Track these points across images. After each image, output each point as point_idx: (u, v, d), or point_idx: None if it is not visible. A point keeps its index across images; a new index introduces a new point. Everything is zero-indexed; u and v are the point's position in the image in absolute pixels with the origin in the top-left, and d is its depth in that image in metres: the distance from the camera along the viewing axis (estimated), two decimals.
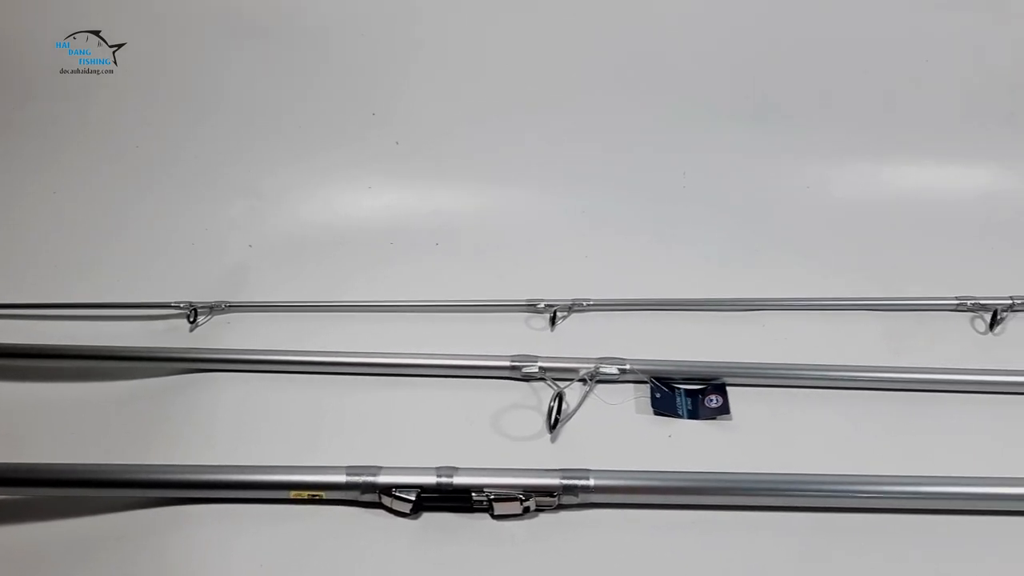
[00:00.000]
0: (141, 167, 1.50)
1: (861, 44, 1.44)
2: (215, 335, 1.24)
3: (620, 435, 1.03)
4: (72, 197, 1.49)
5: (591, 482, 0.90)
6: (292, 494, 0.92)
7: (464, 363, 1.12)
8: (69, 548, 0.89)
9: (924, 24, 1.42)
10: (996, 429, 1.02)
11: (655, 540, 0.89)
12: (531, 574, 0.87)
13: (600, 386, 1.10)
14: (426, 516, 0.92)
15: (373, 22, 1.44)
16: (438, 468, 0.91)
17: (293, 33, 1.45)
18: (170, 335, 1.24)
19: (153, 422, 1.06)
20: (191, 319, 1.25)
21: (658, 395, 1.07)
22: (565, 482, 0.90)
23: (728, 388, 1.08)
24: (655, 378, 1.09)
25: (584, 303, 1.24)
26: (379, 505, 0.91)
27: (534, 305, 1.24)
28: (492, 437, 1.03)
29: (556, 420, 1.02)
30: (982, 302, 1.21)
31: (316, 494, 0.92)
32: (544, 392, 1.08)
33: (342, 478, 0.91)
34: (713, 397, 1.07)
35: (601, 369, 1.09)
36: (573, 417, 1.05)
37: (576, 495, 0.90)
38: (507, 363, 1.11)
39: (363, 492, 0.91)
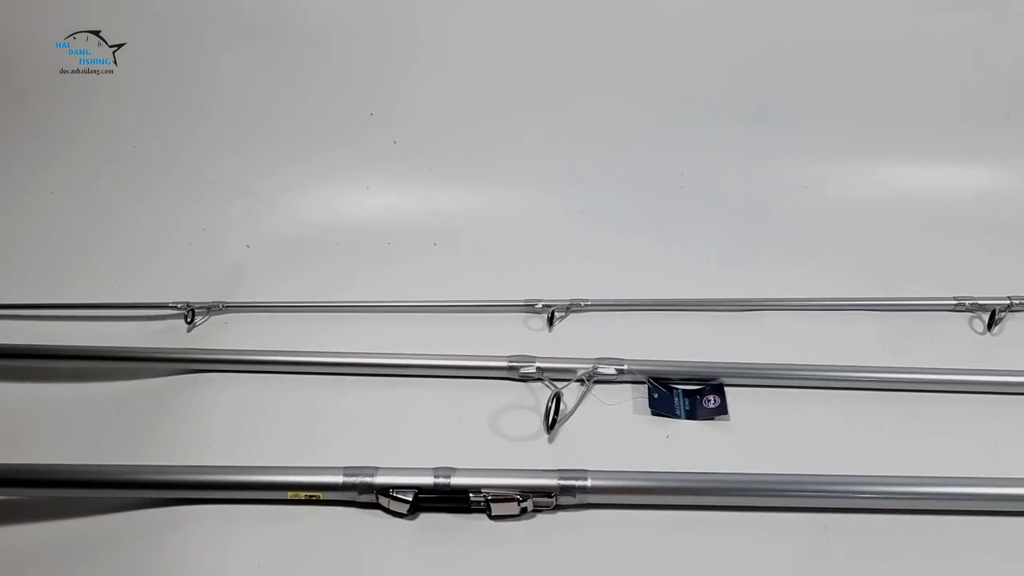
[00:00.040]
0: (139, 167, 1.50)
1: (859, 44, 1.44)
2: (212, 335, 1.24)
3: (618, 436, 1.03)
4: (70, 197, 1.49)
5: (588, 483, 0.90)
6: (289, 495, 0.92)
7: (462, 363, 1.12)
8: (67, 549, 0.89)
9: (922, 24, 1.42)
10: (994, 429, 1.02)
11: (653, 541, 0.89)
12: (528, 575, 0.87)
13: (598, 386, 1.10)
14: (423, 517, 0.92)
15: (371, 22, 1.44)
16: (435, 469, 0.91)
17: (291, 34, 1.45)
18: (168, 335, 1.24)
19: (151, 423, 1.06)
20: (189, 319, 1.25)
21: (656, 395, 1.07)
22: (562, 483, 0.90)
23: (726, 388, 1.07)
24: (653, 378, 1.09)
25: (582, 303, 1.24)
26: (376, 506, 0.92)
27: (532, 305, 1.24)
28: (490, 438, 1.03)
29: (554, 420, 1.02)
30: (980, 302, 1.21)
31: (313, 495, 0.92)
32: (542, 392, 1.08)
33: (339, 479, 0.91)
34: (711, 397, 1.07)
35: (599, 369, 1.09)
36: (571, 418, 1.05)
37: (574, 496, 0.90)
38: (505, 363, 1.11)
39: (360, 493, 0.91)
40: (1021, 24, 1.42)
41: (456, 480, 0.90)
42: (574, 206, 1.48)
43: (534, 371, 1.10)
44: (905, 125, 1.48)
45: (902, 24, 1.42)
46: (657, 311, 1.25)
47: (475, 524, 0.91)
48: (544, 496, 0.90)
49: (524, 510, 0.90)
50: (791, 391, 1.09)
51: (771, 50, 1.45)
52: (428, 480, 0.90)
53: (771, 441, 1.01)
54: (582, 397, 1.08)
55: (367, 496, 0.91)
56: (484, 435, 1.03)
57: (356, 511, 0.92)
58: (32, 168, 1.51)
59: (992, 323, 1.19)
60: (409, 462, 0.92)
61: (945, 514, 0.90)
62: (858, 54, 1.45)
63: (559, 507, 0.91)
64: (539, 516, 0.91)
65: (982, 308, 1.21)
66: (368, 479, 0.91)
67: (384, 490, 0.90)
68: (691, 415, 1.05)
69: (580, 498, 0.90)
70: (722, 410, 1.05)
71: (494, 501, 0.89)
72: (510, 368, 1.10)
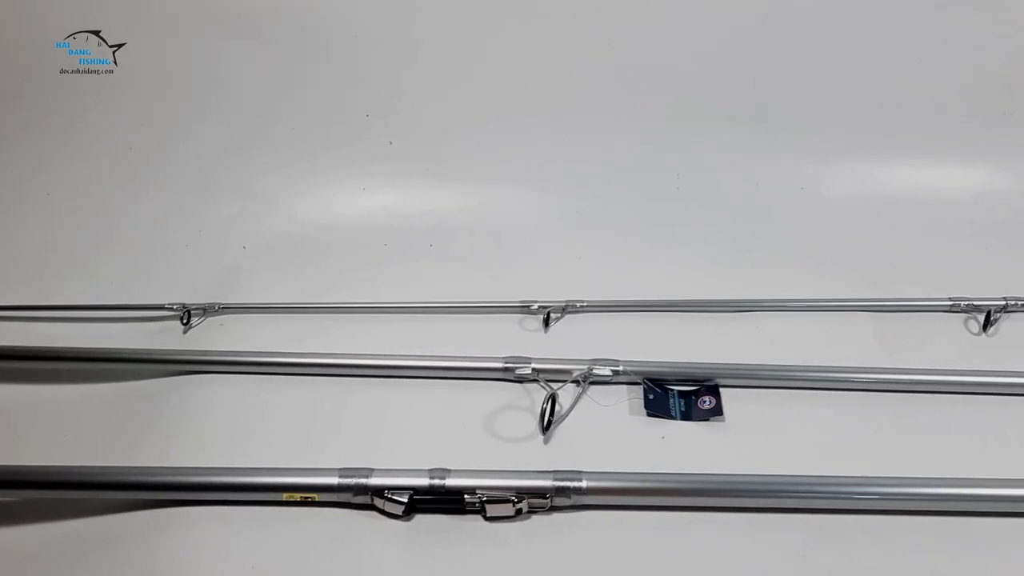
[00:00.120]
0: (135, 168, 1.50)
1: (853, 45, 1.44)
2: (208, 337, 1.24)
3: (613, 436, 1.03)
4: (66, 198, 1.49)
5: (584, 484, 0.90)
6: (285, 496, 0.92)
7: (457, 364, 1.12)
8: (61, 550, 0.89)
9: (918, 25, 1.42)
10: (989, 430, 1.02)
11: (648, 542, 0.89)
12: None
13: (593, 387, 1.10)
14: (418, 518, 0.92)
15: (367, 24, 1.44)
16: (431, 470, 0.91)
17: (287, 35, 1.45)
18: (163, 337, 1.24)
19: (146, 424, 1.06)
20: (184, 321, 1.25)
21: (651, 396, 1.07)
22: (558, 484, 0.90)
23: (721, 389, 1.08)
24: (648, 379, 1.09)
25: (578, 304, 1.24)
26: (372, 507, 0.91)
27: (528, 306, 1.24)
28: (485, 439, 1.03)
29: (549, 422, 1.02)
30: (975, 303, 1.21)
31: (309, 496, 0.92)
32: (537, 393, 1.08)
33: (334, 480, 0.91)
34: (706, 398, 1.07)
35: (594, 370, 1.09)
36: (566, 419, 1.05)
37: (569, 497, 0.90)
38: (500, 364, 1.11)
39: (355, 494, 0.91)
40: (1017, 24, 1.42)
41: (451, 481, 0.90)
42: (570, 207, 1.48)
43: (530, 372, 1.10)
44: (900, 125, 1.48)
45: (898, 25, 1.42)
46: (653, 312, 1.25)
47: (470, 525, 0.91)
48: (539, 497, 0.90)
49: (519, 511, 0.90)
50: (786, 392, 1.09)
51: (764, 51, 1.45)
52: (423, 481, 0.90)
53: (766, 442, 1.01)
54: (577, 398, 1.08)
55: (362, 497, 0.91)
56: (479, 436, 1.03)
57: (351, 512, 0.92)
58: (29, 169, 1.51)
59: (987, 324, 1.19)
60: (404, 463, 0.93)
61: (940, 515, 0.91)
62: (853, 55, 1.45)
63: (554, 508, 0.91)
64: (534, 517, 0.91)
65: (977, 309, 1.21)
66: (363, 480, 0.91)
67: (379, 491, 0.90)
68: (686, 416, 1.05)
69: (575, 499, 0.90)
70: (717, 411, 1.05)
71: (489, 502, 0.89)
72: (506, 369, 1.10)
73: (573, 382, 1.08)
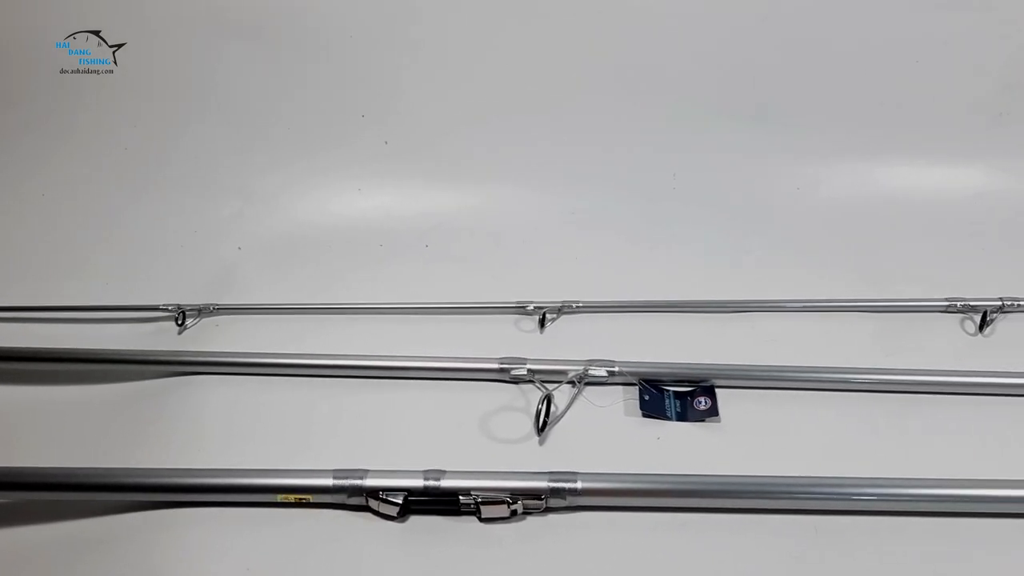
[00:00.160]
0: (131, 169, 1.50)
1: (853, 45, 1.43)
2: (203, 338, 1.23)
3: (608, 437, 1.03)
4: (62, 199, 1.49)
5: (579, 485, 0.90)
6: (279, 497, 0.91)
7: (452, 365, 1.12)
8: (57, 552, 0.89)
9: (915, 25, 1.41)
10: (986, 430, 1.02)
11: (643, 543, 0.89)
12: None
13: (589, 388, 1.09)
14: (413, 519, 0.92)
15: (363, 24, 1.43)
16: (425, 471, 0.91)
17: (284, 36, 1.45)
18: (158, 338, 1.24)
19: (141, 425, 1.06)
20: (179, 321, 1.25)
21: (647, 397, 1.07)
22: (553, 485, 0.90)
23: (717, 390, 1.07)
24: (644, 380, 1.09)
25: (573, 305, 1.24)
26: (366, 508, 0.91)
27: (523, 307, 1.24)
28: (480, 440, 1.03)
29: (544, 423, 1.01)
30: (972, 303, 1.21)
31: (303, 497, 0.91)
32: (532, 394, 1.08)
33: (329, 481, 0.91)
34: (702, 399, 1.06)
35: (590, 371, 1.09)
36: (561, 420, 1.05)
37: (564, 498, 0.90)
38: (495, 365, 1.10)
39: (350, 495, 0.91)
40: (1017, 24, 1.42)
41: (446, 482, 0.90)
42: (566, 207, 1.47)
43: (525, 373, 1.09)
44: (899, 125, 1.48)
45: (897, 25, 1.42)
46: (648, 312, 1.24)
47: (465, 527, 0.90)
48: (534, 498, 0.90)
49: (514, 512, 0.90)
50: (782, 393, 1.09)
51: (767, 50, 1.44)
52: (418, 483, 0.90)
53: (762, 443, 1.01)
54: (573, 399, 1.08)
55: (357, 499, 0.91)
56: (475, 437, 1.03)
57: (346, 514, 0.92)
58: (28, 169, 1.51)
59: (984, 324, 1.19)
60: (399, 464, 0.92)
61: (937, 515, 0.90)
62: (853, 54, 1.44)
63: (549, 509, 0.91)
64: (529, 518, 0.91)
65: (974, 309, 1.21)
66: (358, 482, 0.90)
67: (374, 492, 0.90)
68: (682, 417, 1.05)
69: (570, 500, 0.90)
70: (713, 412, 1.05)
71: (484, 503, 0.89)
72: (501, 370, 1.10)
73: (569, 383, 1.08)
